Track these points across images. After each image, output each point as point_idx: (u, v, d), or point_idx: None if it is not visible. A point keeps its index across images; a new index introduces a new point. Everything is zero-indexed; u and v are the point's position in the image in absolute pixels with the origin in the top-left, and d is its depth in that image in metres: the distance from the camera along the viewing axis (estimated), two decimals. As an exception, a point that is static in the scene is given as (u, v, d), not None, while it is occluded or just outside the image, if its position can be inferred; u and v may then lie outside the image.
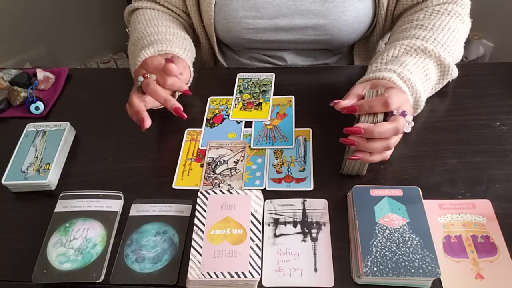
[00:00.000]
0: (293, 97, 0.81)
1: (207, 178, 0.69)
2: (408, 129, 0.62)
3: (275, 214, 0.65)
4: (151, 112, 0.81)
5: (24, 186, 0.69)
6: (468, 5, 0.82)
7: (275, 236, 0.62)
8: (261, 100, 0.81)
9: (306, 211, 0.64)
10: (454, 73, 0.75)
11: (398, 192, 0.62)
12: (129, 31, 0.89)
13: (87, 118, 0.81)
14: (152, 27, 0.83)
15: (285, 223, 0.63)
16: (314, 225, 0.63)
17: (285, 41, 0.89)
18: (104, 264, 0.60)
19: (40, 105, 0.81)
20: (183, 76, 0.76)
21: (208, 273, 0.55)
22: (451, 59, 0.75)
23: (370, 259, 0.56)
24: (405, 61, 0.71)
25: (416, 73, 0.70)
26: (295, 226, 0.63)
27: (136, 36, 0.83)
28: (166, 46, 0.78)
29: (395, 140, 0.62)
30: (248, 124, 0.77)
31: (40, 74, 0.86)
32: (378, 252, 0.56)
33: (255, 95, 0.82)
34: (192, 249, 0.57)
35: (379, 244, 0.57)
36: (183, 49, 0.81)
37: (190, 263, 0.56)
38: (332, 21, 0.84)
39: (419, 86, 0.69)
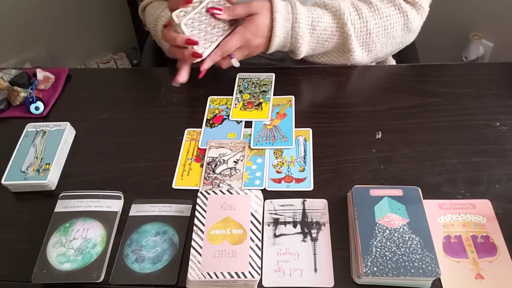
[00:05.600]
0: (293, 97, 0.81)
1: (207, 178, 0.69)
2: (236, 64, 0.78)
3: (275, 214, 0.64)
4: (151, 112, 0.81)
5: (24, 186, 0.69)
6: (424, 15, 0.82)
7: (275, 236, 0.62)
8: (261, 100, 0.80)
9: (306, 211, 0.64)
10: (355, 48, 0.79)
11: (398, 192, 0.62)
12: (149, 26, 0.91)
13: (87, 118, 0.81)
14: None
15: (285, 223, 0.63)
16: (314, 225, 0.63)
17: None
18: (104, 264, 0.60)
19: (40, 105, 0.81)
20: None
21: (208, 273, 0.55)
22: (360, 36, 0.78)
23: (370, 259, 0.55)
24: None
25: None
26: (295, 226, 0.63)
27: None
28: None
29: None
30: (248, 124, 0.77)
31: (40, 74, 0.86)
32: (378, 252, 0.56)
33: (255, 95, 0.82)
34: (192, 249, 0.57)
35: (379, 244, 0.57)
36: None
37: (190, 263, 0.56)
38: None
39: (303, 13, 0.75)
